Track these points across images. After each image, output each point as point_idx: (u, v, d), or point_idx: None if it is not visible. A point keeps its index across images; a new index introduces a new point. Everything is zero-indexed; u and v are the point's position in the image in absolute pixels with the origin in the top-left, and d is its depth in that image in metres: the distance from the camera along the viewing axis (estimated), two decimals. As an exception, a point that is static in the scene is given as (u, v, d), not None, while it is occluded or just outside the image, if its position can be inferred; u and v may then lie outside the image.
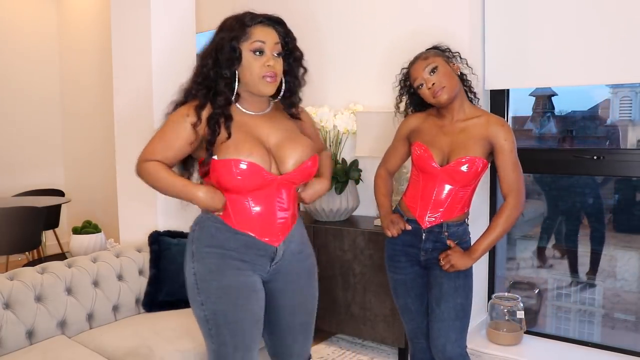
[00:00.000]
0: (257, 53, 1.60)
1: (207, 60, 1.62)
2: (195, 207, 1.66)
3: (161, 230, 2.66)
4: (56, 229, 4.47)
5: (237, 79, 1.62)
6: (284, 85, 1.69)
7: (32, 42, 5.27)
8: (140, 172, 1.64)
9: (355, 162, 3.10)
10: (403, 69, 2.04)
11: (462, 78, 2.03)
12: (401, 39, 3.04)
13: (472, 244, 1.99)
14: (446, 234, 1.96)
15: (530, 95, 3.22)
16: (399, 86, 2.07)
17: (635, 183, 2.88)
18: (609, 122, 3.05)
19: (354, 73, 3.24)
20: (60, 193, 4.88)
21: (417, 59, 1.98)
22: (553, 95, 3.22)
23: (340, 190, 2.99)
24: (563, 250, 3.19)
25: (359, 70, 3.24)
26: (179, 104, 1.67)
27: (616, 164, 2.62)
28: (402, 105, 2.11)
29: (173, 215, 2.87)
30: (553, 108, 3.23)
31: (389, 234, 2.04)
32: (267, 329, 1.81)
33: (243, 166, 1.56)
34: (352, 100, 3.20)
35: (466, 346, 1.98)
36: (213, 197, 1.59)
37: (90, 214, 4.75)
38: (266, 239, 1.67)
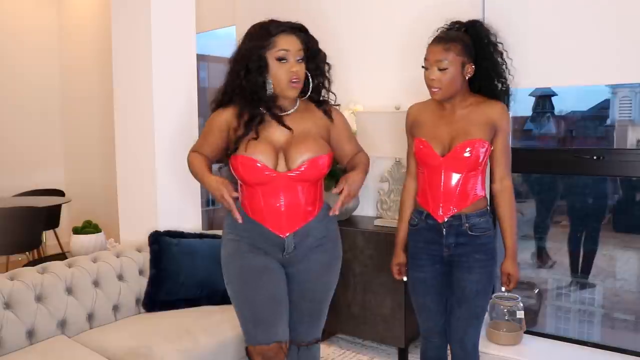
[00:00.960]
0: (282, 60, 1.74)
1: (238, 69, 1.77)
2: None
3: (161, 230, 2.65)
4: (56, 229, 4.47)
5: (267, 84, 1.78)
6: (311, 85, 1.84)
7: (32, 42, 5.27)
8: (187, 160, 1.88)
9: (355, 162, 3.09)
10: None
11: (481, 76, 1.94)
12: (400, 40, 3.04)
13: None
14: (467, 225, 1.92)
15: (530, 95, 3.22)
16: None
17: (635, 183, 2.88)
18: (608, 122, 3.06)
19: (354, 73, 3.24)
20: (60, 193, 4.88)
21: (439, 40, 1.89)
22: (553, 95, 3.22)
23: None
24: (562, 251, 3.19)
25: (358, 71, 3.24)
26: (216, 107, 1.85)
27: (616, 164, 2.62)
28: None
29: (173, 215, 2.87)
30: (553, 108, 3.24)
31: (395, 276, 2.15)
32: None
33: (246, 162, 1.75)
34: (352, 100, 3.21)
35: (479, 337, 2.06)
36: (219, 187, 1.71)
37: (90, 213, 4.74)
38: (274, 230, 1.81)
